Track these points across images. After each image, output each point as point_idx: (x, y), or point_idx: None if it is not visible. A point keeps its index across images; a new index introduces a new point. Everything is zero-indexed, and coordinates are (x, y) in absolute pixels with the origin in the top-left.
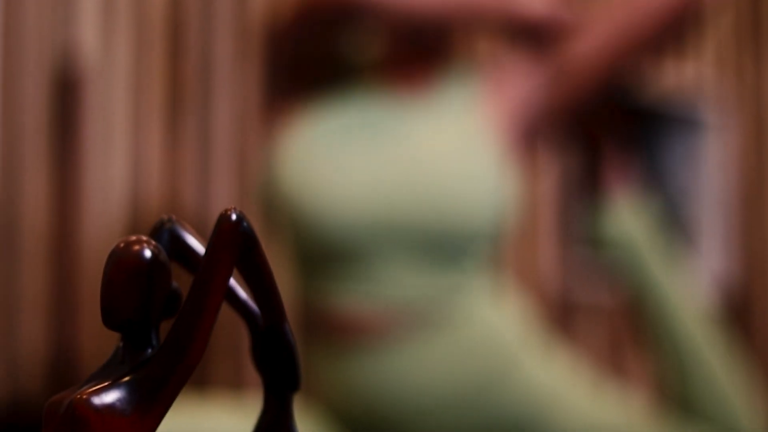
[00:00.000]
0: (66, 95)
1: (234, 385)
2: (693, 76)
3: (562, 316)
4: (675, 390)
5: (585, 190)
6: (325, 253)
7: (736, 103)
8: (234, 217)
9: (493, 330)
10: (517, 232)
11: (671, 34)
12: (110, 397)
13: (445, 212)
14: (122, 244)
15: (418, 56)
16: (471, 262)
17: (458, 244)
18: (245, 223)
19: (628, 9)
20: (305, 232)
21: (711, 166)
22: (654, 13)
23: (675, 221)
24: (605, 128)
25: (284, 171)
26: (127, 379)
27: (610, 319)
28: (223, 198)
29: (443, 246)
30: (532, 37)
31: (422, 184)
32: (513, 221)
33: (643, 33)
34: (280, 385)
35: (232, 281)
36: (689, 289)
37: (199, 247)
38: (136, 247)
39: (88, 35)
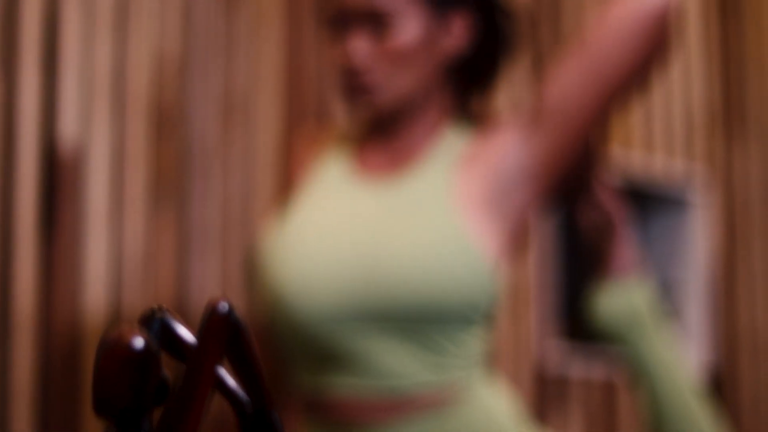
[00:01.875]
0: (53, 185)
1: None
2: (682, 167)
3: (553, 394)
4: None
5: (585, 267)
6: (311, 346)
7: (716, 187)
8: (222, 307)
9: (490, 413)
10: (507, 310)
11: (642, 79)
12: None
13: (424, 292)
14: (114, 334)
15: (396, 140)
16: (461, 341)
17: (444, 323)
18: (233, 313)
19: (594, 56)
20: (289, 327)
21: (695, 248)
22: (622, 59)
23: (663, 302)
24: (599, 206)
25: (264, 263)
26: None
27: (601, 396)
28: (206, 282)
29: (428, 326)
30: None
31: (398, 266)
32: (499, 300)
33: (612, 80)
34: None
35: (220, 368)
36: (683, 365)
37: (189, 337)
38: (128, 337)
39: (71, 128)
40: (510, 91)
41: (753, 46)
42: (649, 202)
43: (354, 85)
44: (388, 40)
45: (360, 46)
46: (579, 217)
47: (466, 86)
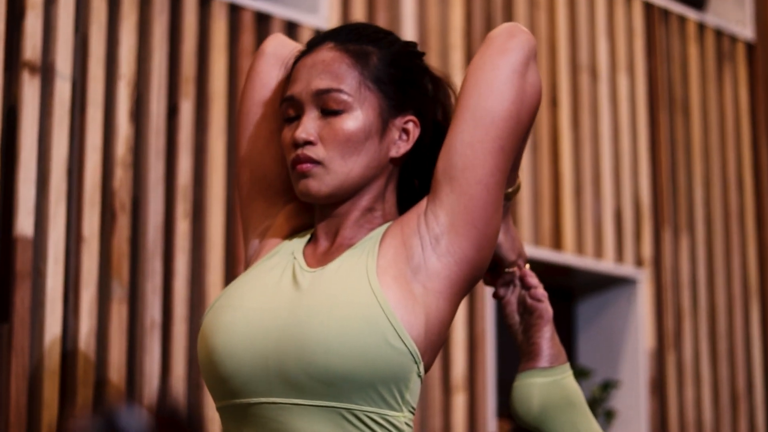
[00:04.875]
0: (9, 273)
1: None
2: (613, 267)
3: None
4: None
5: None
6: (235, 404)
7: (649, 285)
8: (171, 412)
9: None
10: (463, 399)
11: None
12: None
13: (334, 362)
14: (75, 419)
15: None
16: (384, 422)
17: (360, 397)
18: (178, 417)
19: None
20: (215, 380)
21: (629, 346)
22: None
23: (598, 401)
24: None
25: (204, 318)
26: None
27: None
28: (156, 367)
29: (345, 399)
30: None
31: (312, 336)
32: (419, 383)
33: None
34: None
35: None
36: None
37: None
38: (86, 425)
39: (27, 219)
40: None
41: (681, 138)
42: (582, 300)
43: (299, 156)
44: (336, 122)
45: (310, 123)
46: (504, 310)
47: (412, 189)
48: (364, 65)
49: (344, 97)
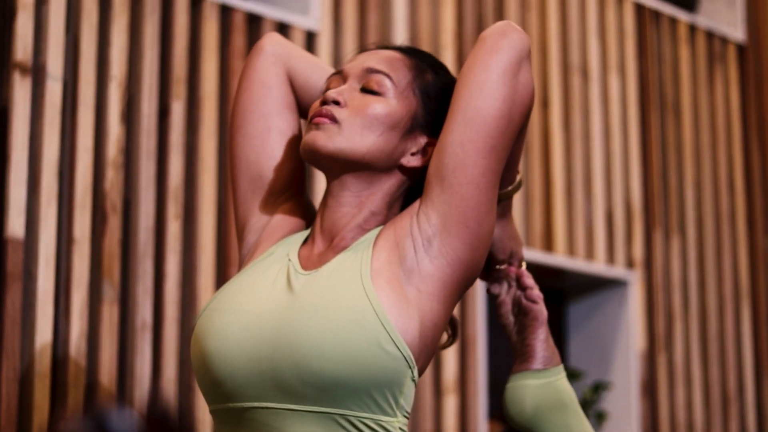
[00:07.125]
0: (1, 274)
1: None
2: (604, 269)
3: None
4: None
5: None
6: (230, 409)
7: (640, 286)
8: (160, 417)
9: None
10: (456, 398)
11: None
12: None
13: (326, 366)
14: (65, 422)
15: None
16: (380, 428)
17: (354, 402)
18: (169, 420)
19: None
20: (209, 383)
21: (622, 349)
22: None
23: (590, 402)
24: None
25: (198, 320)
26: None
27: None
28: (147, 369)
29: (338, 405)
30: None
31: (305, 338)
32: (415, 386)
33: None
34: None
35: None
36: None
37: None
38: (77, 427)
39: (18, 220)
40: None
41: (672, 140)
42: (573, 302)
43: (321, 110)
44: (370, 99)
45: (346, 91)
46: (499, 310)
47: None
48: (419, 75)
49: (388, 83)
